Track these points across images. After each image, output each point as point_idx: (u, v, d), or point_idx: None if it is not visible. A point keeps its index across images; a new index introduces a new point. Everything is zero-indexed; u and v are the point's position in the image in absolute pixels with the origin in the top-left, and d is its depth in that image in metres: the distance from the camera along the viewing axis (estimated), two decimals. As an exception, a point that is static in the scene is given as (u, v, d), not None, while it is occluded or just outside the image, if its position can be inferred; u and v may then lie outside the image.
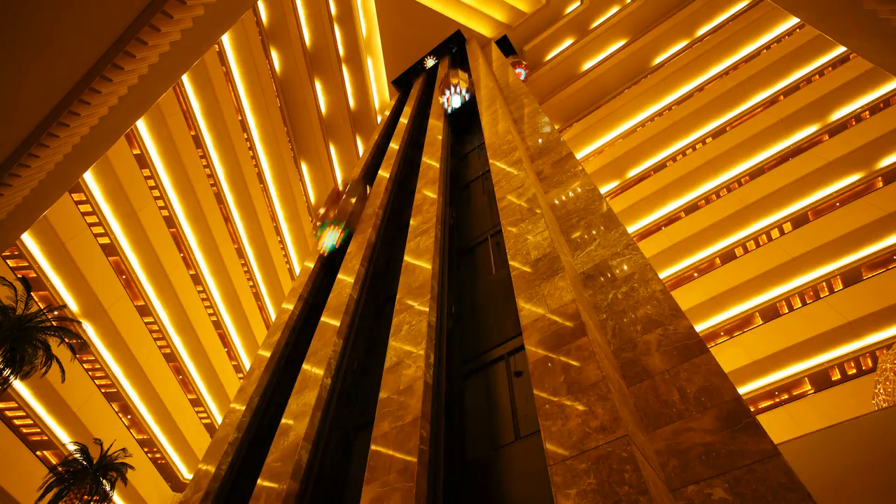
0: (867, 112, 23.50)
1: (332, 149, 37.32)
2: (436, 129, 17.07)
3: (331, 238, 14.27)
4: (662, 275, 25.48)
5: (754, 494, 3.51)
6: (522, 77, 29.75)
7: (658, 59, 31.70)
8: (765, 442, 3.78)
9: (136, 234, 28.83)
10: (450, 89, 16.81)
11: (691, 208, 26.77)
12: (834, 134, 23.76)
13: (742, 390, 20.66)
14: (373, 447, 5.86)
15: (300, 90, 34.40)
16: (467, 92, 17.00)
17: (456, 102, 16.82)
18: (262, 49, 32.60)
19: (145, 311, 30.49)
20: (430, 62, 33.32)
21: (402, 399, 6.30)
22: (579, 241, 7.61)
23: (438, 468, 5.49)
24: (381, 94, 35.51)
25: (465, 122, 17.32)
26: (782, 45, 26.66)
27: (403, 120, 23.74)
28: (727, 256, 24.51)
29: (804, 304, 21.52)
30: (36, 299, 23.10)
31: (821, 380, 19.91)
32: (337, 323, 9.94)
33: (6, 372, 18.75)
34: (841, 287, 20.90)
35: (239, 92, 33.15)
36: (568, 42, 33.66)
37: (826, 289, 21.36)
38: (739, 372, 20.69)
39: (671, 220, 27.27)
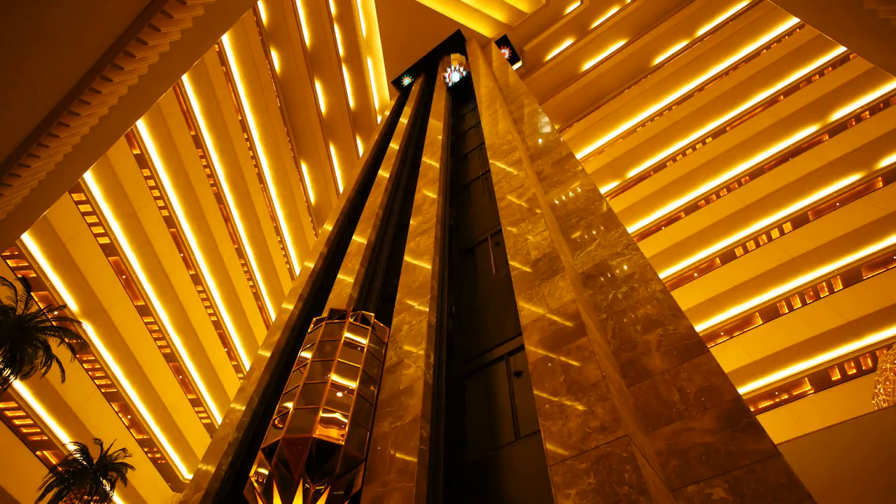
0: (867, 112, 23.50)
1: (332, 149, 37.32)
2: (436, 129, 17.07)
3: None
4: (662, 275, 25.48)
5: (754, 494, 3.51)
6: (507, 56, 30.18)
7: (658, 60, 31.70)
8: (765, 442, 3.78)
9: (136, 234, 28.82)
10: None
11: (691, 208, 26.76)
12: (834, 134, 23.75)
13: (742, 390, 20.66)
14: (372, 447, 5.86)
15: (300, 90, 34.38)
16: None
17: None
18: (262, 49, 32.59)
19: (145, 311, 30.48)
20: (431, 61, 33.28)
21: (402, 399, 6.30)
22: (579, 241, 7.61)
23: (438, 468, 5.48)
24: (381, 94, 35.49)
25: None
26: (782, 45, 26.66)
27: (403, 120, 23.74)
28: (727, 256, 24.50)
29: (804, 304, 21.51)
30: (36, 299, 23.08)
31: (821, 380, 19.90)
32: (337, 323, 9.93)
33: (6, 372, 18.73)
34: (841, 287, 20.88)
35: (239, 92, 33.14)
36: (568, 42, 33.66)
37: (826, 289, 21.35)
38: (739, 372, 20.68)
39: (671, 220, 27.27)
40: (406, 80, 34.06)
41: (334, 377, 6.17)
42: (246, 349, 39.03)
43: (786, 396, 20.55)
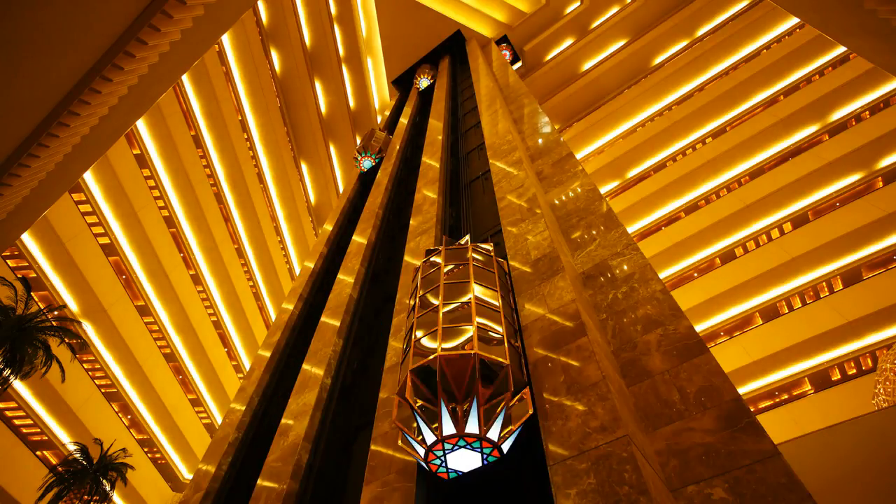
0: (867, 112, 23.49)
1: (332, 149, 37.32)
2: (436, 129, 17.07)
3: (367, 162, 20.86)
4: (662, 275, 25.48)
5: (754, 494, 3.51)
6: (508, 57, 30.13)
7: (658, 60, 31.70)
8: (765, 442, 3.78)
9: (136, 234, 28.83)
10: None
11: (691, 208, 26.76)
12: (834, 134, 23.75)
13: (742, 390, 20.66)
14: (373, 447, 5.86)
15: (300, 90, 34.39)
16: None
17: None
18: (262, 49, 32.60)
19: (145, 311, 30.49)
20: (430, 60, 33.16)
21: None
22: (579, 241, 7.60)
23: (438, 468, 5.47)
24: (381, 94, 35.51)
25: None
26: (782, 45, 26.66)
27: (403, 120, 23.74)
28: (727, 256, 24.50)
29: (804, 304, 21.50)
30: (36, 299, 23.08)
31: (821, 380, 19.90)
32: (337, 323, 9.94)
33: (6, 372, 18.74)
34: (841, 287, 20.88)
35: (239, 92, 33.15)
36: (568, 42, 33.66)
37: (826, 289, 21.35)
38: (739, 372, 20.68)
39: (671, 220, 27.27)
40: (406, 80, 33.22)
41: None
42: (246, 349, 39.03)
43: (786, 396, 20.55)
